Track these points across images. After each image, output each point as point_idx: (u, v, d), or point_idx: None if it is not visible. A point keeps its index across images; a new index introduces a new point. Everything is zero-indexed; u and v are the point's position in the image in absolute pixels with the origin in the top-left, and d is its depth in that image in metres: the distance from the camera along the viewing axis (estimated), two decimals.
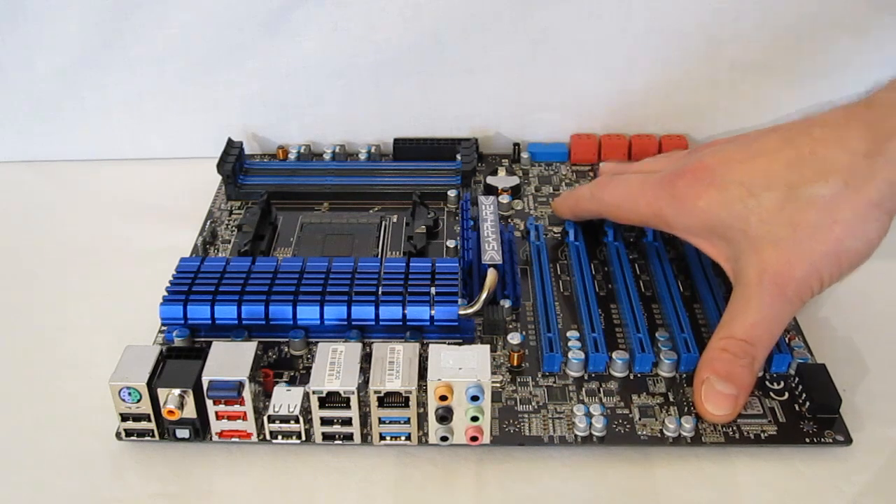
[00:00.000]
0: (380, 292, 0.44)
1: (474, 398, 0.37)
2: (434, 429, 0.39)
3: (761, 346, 0.39)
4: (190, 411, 0.38)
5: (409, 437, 0.39)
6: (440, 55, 0.59)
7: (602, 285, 0.49)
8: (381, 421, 0.39)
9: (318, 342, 0.41)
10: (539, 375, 0.43)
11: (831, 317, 0.47)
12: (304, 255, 0.51)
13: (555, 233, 0.54)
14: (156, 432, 0.39)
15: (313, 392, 0.38)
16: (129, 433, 0.40)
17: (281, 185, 0.57)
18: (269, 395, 0.39)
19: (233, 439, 0.40)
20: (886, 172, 0.37)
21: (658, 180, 0.43)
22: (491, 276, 0.45)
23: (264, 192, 0.55)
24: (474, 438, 0.38)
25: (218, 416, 0.39)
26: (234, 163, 0.57)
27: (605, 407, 0.41)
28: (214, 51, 0.59)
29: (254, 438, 0.39)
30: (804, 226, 0.37)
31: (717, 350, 0.39)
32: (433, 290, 0.44)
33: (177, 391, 0.38)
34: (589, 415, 0.40)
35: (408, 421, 0.39)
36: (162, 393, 0.38)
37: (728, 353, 0.39)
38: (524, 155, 0.61)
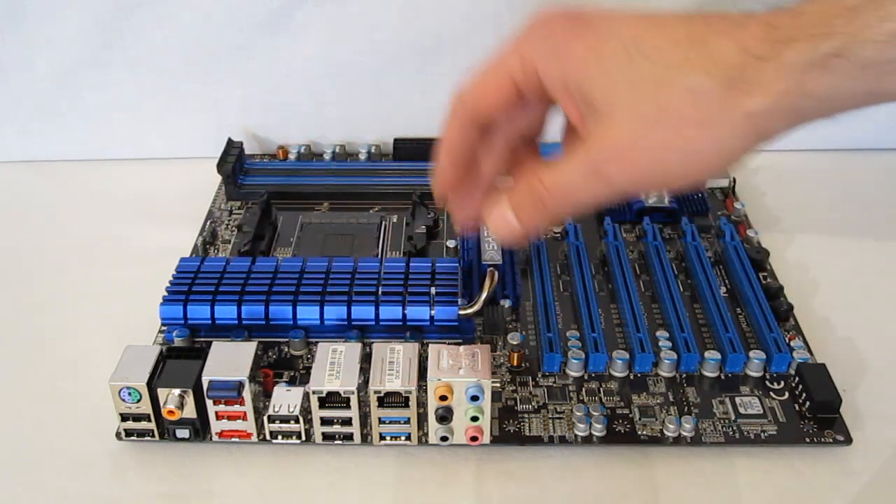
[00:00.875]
0: (380, 292, 0.44)
1: (474, 398, 0.37)
2: (434, 429, 0.39)
3: (558, 204, 0.35)
4: (190, 411, 0.38)
5: (409, 437, 0.39)
6: (440, 55, 0.59)
7: (602, 285, 0.49)
8: (381, 421, 0.39)
9: (318, 342, 0.41)
10: (539, 375, 0.43)
11: (831, 317, 0.47)
12: (304, 255, 0.51)
13: (555, 233, 0.54)
14: (156, 432, 0.39)
15: (313, 392, 0.38)
16: (129, 433, 0.40)
17: (281, 185, 0.57)
18: (269, 395, 0.39)
19: (233, 439, 0.40)
20: (775, 83, 0.32)
21: (529, 25, 0.37)
22: (491, 276, 0.46)
23: (264, 192, 0.55)
24: (474, 438, 0.38)
25: (218, 416, 0.39)
26: (234, 163, 0.57)
27: (605, 407, 0.41)
28: (214, 51, 0.59)
29: (254, 438, 0.39)
30: (668, 111, 0.33)
31: (525, 183, 0.36)
32: (433, 290, 0.44)
33: (177, 391, 0.38)
34: (589, 415, 0.40)
35: (408, 421, 0.39)
36: (162, 393, 0.38)
37: (530, 191, 0.36)
38: None
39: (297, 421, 0.38)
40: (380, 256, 0.52)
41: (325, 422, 0.39)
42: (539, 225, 0.36)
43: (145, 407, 0.38)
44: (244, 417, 0.39)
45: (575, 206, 0.35)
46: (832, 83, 0.32)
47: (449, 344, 0.39)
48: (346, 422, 0.39)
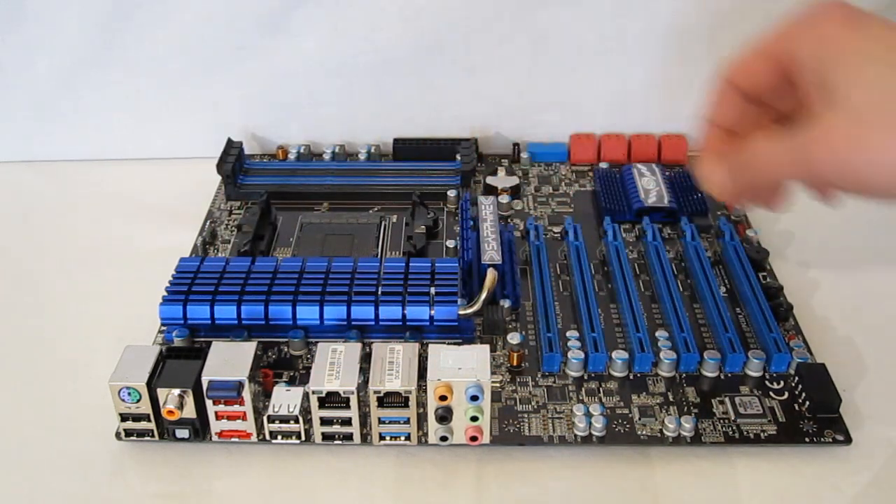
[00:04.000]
0: (379, 292, 0.44)
1: (474, 398, 0.37)
2: (434, 429, 0.39)
3: (758, 172, 0.37)
4: (190, 411, 0.38)
5: (408, 437, 0.39)
6: (440, 55, 0.59)
7: (602, 285, 0.49)
8: (380, 421, 0.39)
9: (317, 342, 0.41)
10: (539, 375, 0.43)
11: (831, 317, 0.47)
12: (303, 255, 0.51)
13: (555, 233, 0.54)
14: (155, 432, 0.39)
15: (313, 392, 0.38)
16: (128, 433, 0.40)
17: (281, 185, 0.57)
18: (268, 395, 0.39)
19: (233, 439, 0.40)
20: None
21: (806, 12, 0.37)
22: (490, 276, 0.46)
23: (264, 192, 0.55)
24: (474, 438, 0.38)
25: (218, 416, 0.39)
26: (234, 163, 0.57)
27: (605, 407, 0.41)
28: (214, 51, 0.59)
29: (254, 438, 0.39)
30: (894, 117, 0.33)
31: (743, 143, 0.37)
32: (433, 290, 0.44)
33: (176, 391, 0.38)
34: (589, 415, 0.40)
35: (407, 421, 0.39)
36: (162, 393, 0.38)
37: (739, 152, 0.37)
38: (524, 155, 0.61)
39: (296, 421, 0.38)
40: (379, 256, 0.52)
41: (325, 422, 0.39)
42: (734, 185, 0.37)
43: (145, 407, 0.38)
44: (244, 417, 0.39)
45: (772, 180, 0.37)
46: None
47: (449, 344, 0.39)
48: (346, 422, 0.39)
